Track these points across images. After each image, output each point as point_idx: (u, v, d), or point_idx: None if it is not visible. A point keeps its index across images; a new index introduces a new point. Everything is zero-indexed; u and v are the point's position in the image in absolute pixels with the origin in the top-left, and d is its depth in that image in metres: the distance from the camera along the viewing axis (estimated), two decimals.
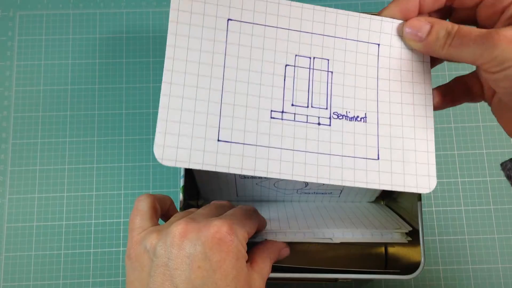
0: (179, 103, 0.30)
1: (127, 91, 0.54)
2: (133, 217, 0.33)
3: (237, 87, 0.31)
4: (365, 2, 0.57)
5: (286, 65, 0.32)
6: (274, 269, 0.36)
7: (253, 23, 0.32)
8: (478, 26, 0.34)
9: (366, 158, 0.33)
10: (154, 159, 0.52)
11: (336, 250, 0.47)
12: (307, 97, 0.32)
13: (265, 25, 0.32)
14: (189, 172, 0.40)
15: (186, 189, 0.40)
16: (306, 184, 0.41)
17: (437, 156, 0.52)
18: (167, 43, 0.31)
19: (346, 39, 0.33)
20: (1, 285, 0.49)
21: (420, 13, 0.33)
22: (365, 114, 0.33)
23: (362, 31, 0.33)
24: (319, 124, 0.32)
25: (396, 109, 0.33)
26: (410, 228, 0.40)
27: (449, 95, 0.36)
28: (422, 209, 0.40)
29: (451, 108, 0.49)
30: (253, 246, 0.35)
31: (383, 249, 0.48)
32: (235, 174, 0.41)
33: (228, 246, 0.30)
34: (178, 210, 0.38)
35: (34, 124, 0.53)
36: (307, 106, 0.32)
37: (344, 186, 0.39)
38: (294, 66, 0.32)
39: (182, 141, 0.30)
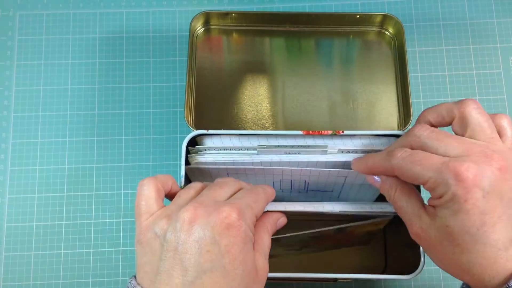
0: None
1: (127, 91, 0.54)
2: (138, 202, 0.33)
3: None
4: (365, 2, 0.57)
5: (274, 182, 0.42)
6: (274, 268, 0.36)
7: (238, 173, 0.40)
8: None
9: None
10: (154, 159, 0.52)
11: (336, 250, 0.47)
12: (290, 187, 0.43)
13: (246, 173, 0.40)
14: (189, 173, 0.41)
15: None
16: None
17: None
18: None
19: (320, 170, 0.39)
20: (1, 285, 0.49)
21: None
22: (332, 189, 0.43)
23: (332, 171, 0.39)
24: (298, 192, 0.44)
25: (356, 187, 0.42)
26: None
27: None
28: None
29: None
30: None
31: (383, 249, 0.48)
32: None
33: (236, 230, 0.30)
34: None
35: (34, 124, 0.53)
36: (291, 190, 0.44)
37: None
38: (280, 181, 0.42)
39: None
